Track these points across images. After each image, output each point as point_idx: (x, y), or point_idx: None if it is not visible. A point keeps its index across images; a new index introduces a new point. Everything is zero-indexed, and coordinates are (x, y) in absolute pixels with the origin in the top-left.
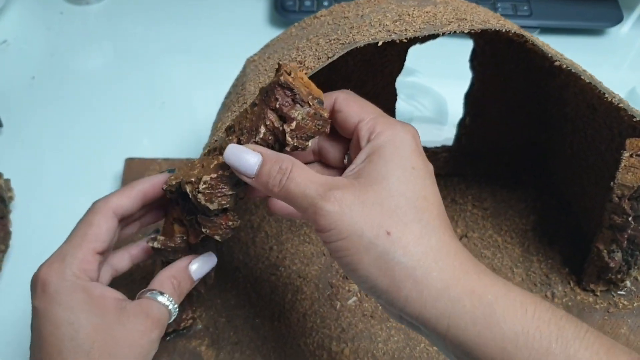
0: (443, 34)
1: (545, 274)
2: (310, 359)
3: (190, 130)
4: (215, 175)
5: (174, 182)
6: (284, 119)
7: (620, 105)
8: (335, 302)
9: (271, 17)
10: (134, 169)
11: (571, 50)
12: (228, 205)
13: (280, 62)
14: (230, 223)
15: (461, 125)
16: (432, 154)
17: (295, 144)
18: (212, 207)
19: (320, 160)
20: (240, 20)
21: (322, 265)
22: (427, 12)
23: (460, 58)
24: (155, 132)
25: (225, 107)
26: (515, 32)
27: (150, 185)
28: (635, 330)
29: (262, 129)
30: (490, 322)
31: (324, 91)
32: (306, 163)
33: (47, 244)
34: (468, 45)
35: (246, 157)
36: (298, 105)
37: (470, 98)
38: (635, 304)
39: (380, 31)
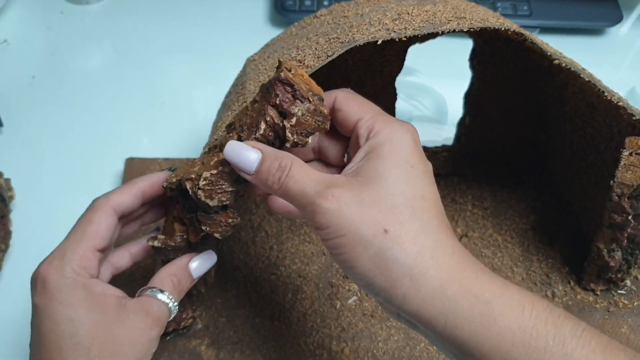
0: (442, 33)
1: (545, 273)
2: (310, 358)
3: (190, 130)
4: (215, 171)
5: (174, 180)
6: (284, 114)
7: (620, 103)
8: (336, 302)
9: (271, 16)
10: (134, 169)
11: (571, 50)
12: (228, 202)
13: (281, 59)
14: (230, 220)
15: (461, 124)
16: (432, 153)
17: (296, 140)
18: (212, 203)
19: (320, 158)
20: (240, 20)
21: (322, 264)
22: (426, 11)
23: (460, 57)
24: (155, 131)
25: (225, 106)
26: (514, 31)
27: (151, 183)
28: (635, 330)
29: (263, 125)
30: (487, 321)
31: (324, 90)
32: (306, 161)
33: (48, 243)
34: (467, 44)
35: (246, 154)
36: (298, 101)
37: (469, 97)
38: (635, 303)
39: (379, 30)
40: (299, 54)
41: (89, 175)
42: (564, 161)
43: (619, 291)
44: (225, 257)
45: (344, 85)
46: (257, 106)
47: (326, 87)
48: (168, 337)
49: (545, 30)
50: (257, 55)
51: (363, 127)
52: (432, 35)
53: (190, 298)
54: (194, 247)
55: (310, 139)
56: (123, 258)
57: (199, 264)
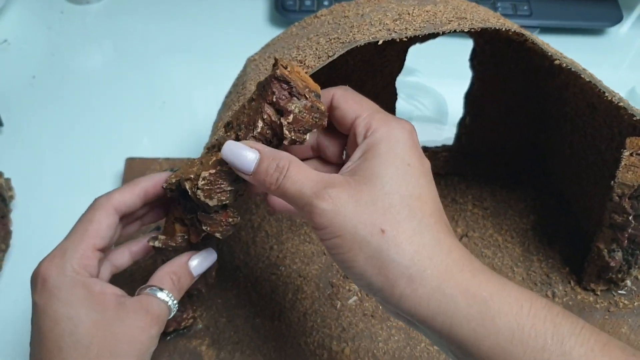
0: (443, 33)
1: (545, 273)
2: (310, 358)
3: (190, 130)
4: (213, 171)
5: (173, 180)
6: (281, 112)
7: (620, 104)
8: (336, 302)
9: (271, 16)
10: (134, 169)
11: (571, 50)
12: (227, 202)
13: (277, 57)
14: (230, 220)
15: (461, 124)
16: (432, 153)
17: (293, 138)
18: (211, 203)
19: (319, 156)
20: (240, 20)
21: (322, 264)
22: (427, 11)
23: (460, 58)
24: (155, 131)
25: (225, 106)
26: (515, 31)
27: (152, 183)
28: (635, 330)
29: (260, 123)
30: (485, 319)
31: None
32: (305, 159)
33: (48, 243)
34: (468, 44)
35: (244, 154)
36: (295, 98)
37: (470, 98)
38: (635, 304)
39: (380, 30)
40: (299, 54)
41: (89, 175)
42: (564, 161)
43: (619, 291)
44: (226, 257)
45: (345, 85)
46: (254, 104)
47: (326, 87)
48: (168, 337)
49: (546, 30)
50: (257, 55)
51: (361, 125)
52: (433, 36)
53: (191, 298)
54: (194, 248)
55: (308, 136)
56: (123, 257)
57: (198, 262)
